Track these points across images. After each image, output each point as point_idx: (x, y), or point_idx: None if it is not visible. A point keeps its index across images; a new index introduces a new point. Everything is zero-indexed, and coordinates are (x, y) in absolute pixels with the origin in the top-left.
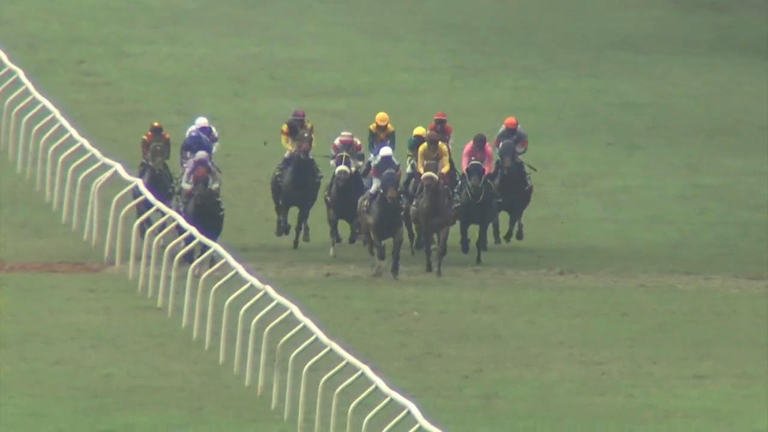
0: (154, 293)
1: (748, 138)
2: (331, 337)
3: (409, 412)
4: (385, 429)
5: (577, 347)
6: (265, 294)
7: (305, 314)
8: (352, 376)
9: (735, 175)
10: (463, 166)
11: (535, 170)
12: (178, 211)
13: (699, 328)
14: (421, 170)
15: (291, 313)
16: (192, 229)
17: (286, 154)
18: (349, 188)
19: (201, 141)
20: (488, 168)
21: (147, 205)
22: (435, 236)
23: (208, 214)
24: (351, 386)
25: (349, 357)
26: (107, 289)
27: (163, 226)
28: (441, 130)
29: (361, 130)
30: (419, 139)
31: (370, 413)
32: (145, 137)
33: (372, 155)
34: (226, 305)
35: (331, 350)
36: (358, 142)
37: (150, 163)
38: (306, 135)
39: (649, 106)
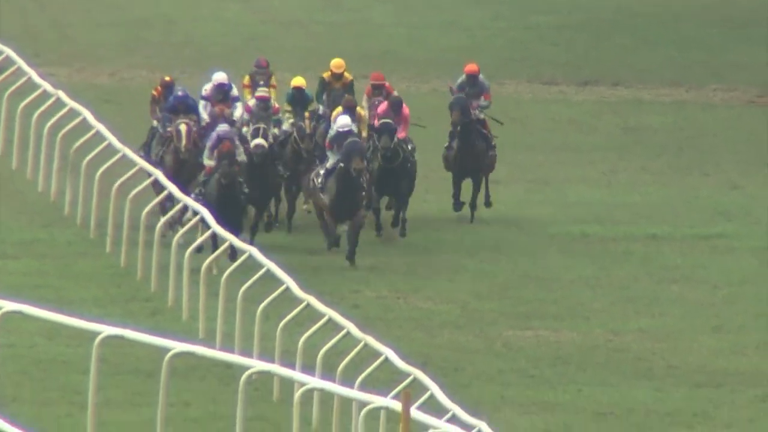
0: None
1: None
2: (124, 142)
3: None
4: (180, 232)
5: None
6: (58, 99)
7: (98, 120)
8: (145, 181)
9: None
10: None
11: (501, 123)
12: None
13: (492, 132)
14: None
15: (84, 119)
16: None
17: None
18: (263, 166)
19: (189, 103)
20: (403, 133)
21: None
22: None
23: (232, 199)
24: (143, 191)
25: (142, 162)
26: None
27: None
28: (379, 94)
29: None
30: (299, 92)
31: (165, 216)
32: (154, 92)
33: (321, 107)
34: (18, 111)
35: (124, 155)
36: (277, 105)
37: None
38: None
39: None
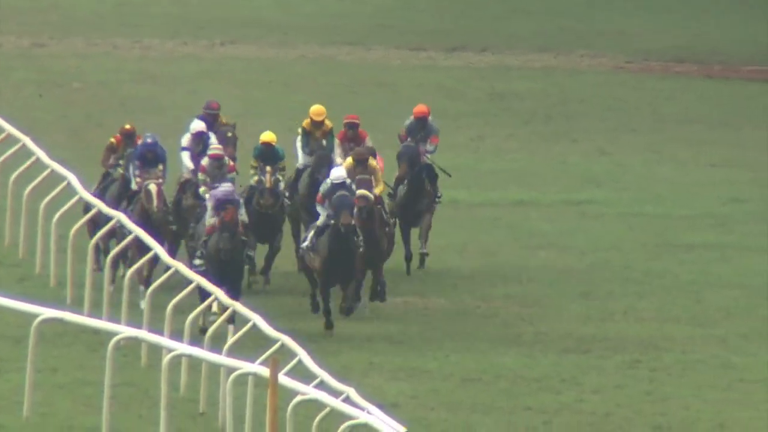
0: None
1: None
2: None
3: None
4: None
5: (240, 117)
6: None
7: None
8: (13, 148)
9: None
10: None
11: (449, 176)
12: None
13: (361, 99)
14: None
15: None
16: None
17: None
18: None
19: (157, 152)
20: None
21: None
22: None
23: (234, 264)
24: (15, 159)
25: (11, 129)
26: None
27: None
28: (354, 137)
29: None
30: (268, 148)
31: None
32: (113, 140)
33: (300, 159)
34: None
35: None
36: (231, 163)
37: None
38: (230, 135)
39: None
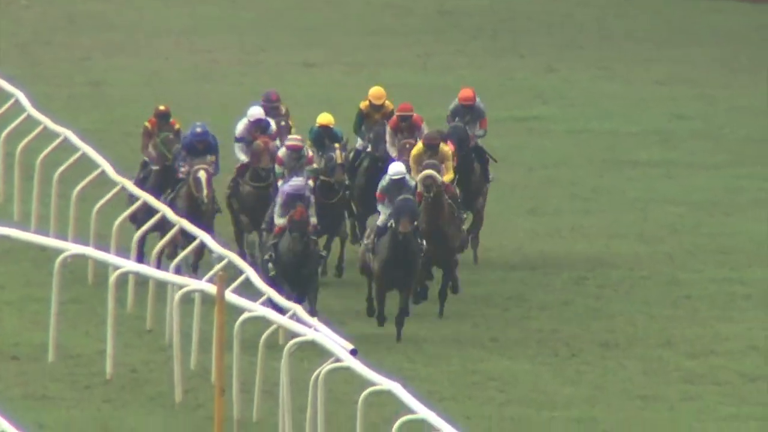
0: None
1: None
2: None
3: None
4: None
5: (187, 35)
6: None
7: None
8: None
9: None
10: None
11: (495, 161)
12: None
13: (309, 16)
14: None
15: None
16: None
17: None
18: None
19: (209, 141)
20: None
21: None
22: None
23: (304, 265)
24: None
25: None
26: None
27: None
28: (408, 128)
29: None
30: (326, 131)
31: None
32: (147, 124)
33: (359, 141)
34: None
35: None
36: (310, 153)
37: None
38: (284, 125)
39: None
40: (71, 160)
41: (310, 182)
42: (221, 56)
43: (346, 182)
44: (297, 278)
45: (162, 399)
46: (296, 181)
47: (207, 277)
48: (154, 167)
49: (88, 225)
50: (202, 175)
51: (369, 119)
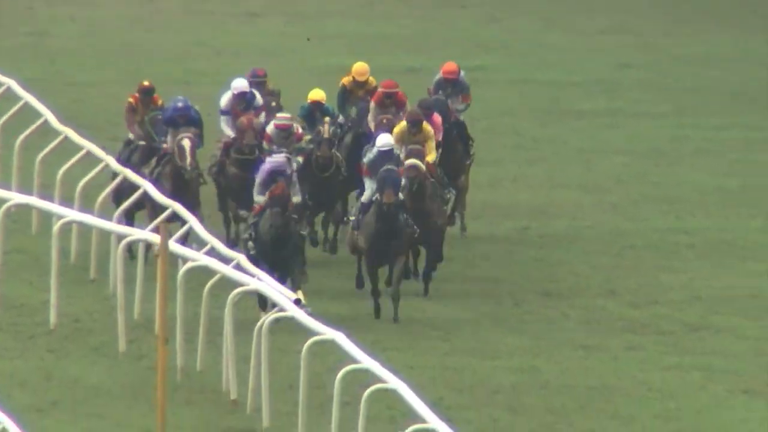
0: None
1: None
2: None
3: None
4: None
5: None
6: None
7: None
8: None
9: None
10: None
11: (472, 142)
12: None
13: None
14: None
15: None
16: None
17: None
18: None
19: (191, 115)
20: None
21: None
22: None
23: (285, 243)
24: None
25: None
26: None
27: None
28: (392, 105)
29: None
30: (317, 107)
31: None
32: (131, 99)
33: (341, 118)
34: None
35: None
36: (299, 129)
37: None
38: (274, 105)
39: None
40: (14, 109)
41: (299, 159)
42: (165, 6)
43: (340, 159)
44: (277, 257)
45: (105, 349)
46: (277, 157)
47: (151, 226)
48: (141, 143)
49: (32, 174)
50: (185, 143)
51: (352, 95)
